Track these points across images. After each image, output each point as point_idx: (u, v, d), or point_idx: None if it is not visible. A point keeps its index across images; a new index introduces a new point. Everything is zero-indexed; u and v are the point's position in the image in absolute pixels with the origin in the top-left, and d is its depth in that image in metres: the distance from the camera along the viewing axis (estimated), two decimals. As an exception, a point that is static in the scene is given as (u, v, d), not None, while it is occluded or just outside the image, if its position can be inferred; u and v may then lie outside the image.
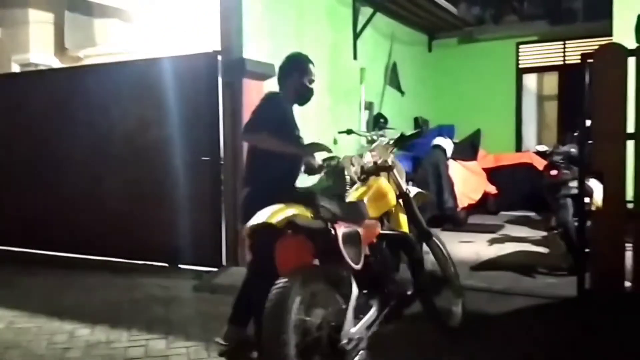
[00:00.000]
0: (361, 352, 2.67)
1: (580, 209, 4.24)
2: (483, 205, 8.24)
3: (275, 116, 3.16)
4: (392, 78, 8.43)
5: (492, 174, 8.56)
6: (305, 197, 2.68)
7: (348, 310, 2.60)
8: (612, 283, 3.91)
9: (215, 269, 5.28)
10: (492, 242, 6.24)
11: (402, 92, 8.74)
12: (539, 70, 9.44)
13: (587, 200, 4.70)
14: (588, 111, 4.06)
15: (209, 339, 3.44)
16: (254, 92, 5.37)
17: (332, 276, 2.65)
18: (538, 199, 8.52)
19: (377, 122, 7.44)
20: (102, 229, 5.87)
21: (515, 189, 8.58)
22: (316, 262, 2.70)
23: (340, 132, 4.71)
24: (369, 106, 7.59)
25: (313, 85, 3.41)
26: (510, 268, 4.92)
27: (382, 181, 3.35)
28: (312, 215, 2.59)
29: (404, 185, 3.44)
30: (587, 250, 4.09)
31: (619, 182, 3.87)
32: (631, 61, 3.82)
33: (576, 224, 4.59)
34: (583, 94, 4.08)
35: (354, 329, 2.66)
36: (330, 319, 2.56)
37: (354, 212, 2.93)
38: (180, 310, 4.21)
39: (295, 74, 3.34)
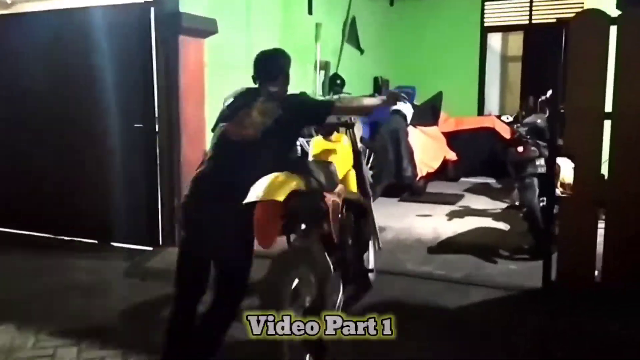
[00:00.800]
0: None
1: (549, 193, 3.88)
2: (442, 171, 7.89)
3: None
4: (351, 35, 7.84)
5: (452, 138, 8.21)
6: (298, 165, 2.71)
7: (325, 294, 2.48)
8: (580, 274, 3.60)
9: (150, 248, 4.79)
10: (451, 216, 5.89)
11: (362, 50, 8.18)
12: (504, 29, 9.00)
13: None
14: (560, 84, 3.69)
15: (129, 345, 2.99)
16: (192, 51, 4.77)
17: (312, 258, 2.49)
18: (498, 165, 8.31)
19: (334, 83, 6.91)
20: (25, 201, 5.27)
21: (476, 154, 8.26)
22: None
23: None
24: (324, 66, 7.00)
25: None
26: (470, 250, 4.56)
27: (345, 138, 3.48)
28: (305, 187, 2.51)
29: (359, 143, 3.62)
30: (553, 234, 3.78)
31: (593, 164, 3.51)
32: (613, 31, 3.40)
33: (543, 204, 4.26)
34: (550, 60, 3.68)
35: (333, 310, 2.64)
36: (310, 304, 2.44)
37: (331, 179, 2.93)
38: (103, 302, 3.70)
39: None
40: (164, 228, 4.83)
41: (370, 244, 3.70)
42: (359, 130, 3.88)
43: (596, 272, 3.61)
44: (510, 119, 5.54)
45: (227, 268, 2.54)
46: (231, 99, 2.81)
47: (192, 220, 2.55)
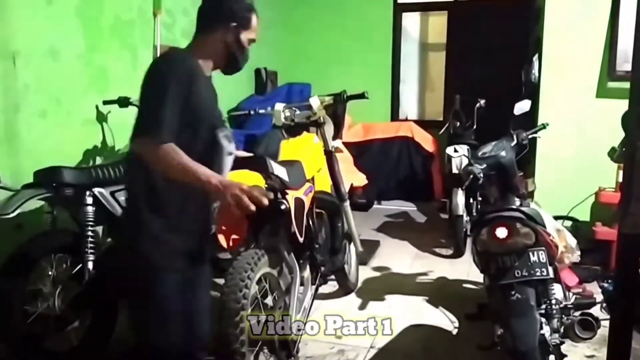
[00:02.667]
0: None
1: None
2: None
3: (183, 101, 1.86)
4: (217, 9, 5.48)
5: (360, 150, 6.30)
6: (258, 163, 2.54)
7: (292, 295, 2.54)
8: None
9: None
10: (362, 295, 3.76)
11: (235, 32, 5.84)
12: (423, 8, 6.99)
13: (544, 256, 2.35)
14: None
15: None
16: None
17: (277, 259, 2.57)
18: (417, 185, 6.42)
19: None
20: None
21: (391, 171, 6.39)
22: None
23: (107, 102, 3.69)
24: (170, 54, 4.61)
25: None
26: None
27: (314, 138, 3.41)
28: (265, 184, 2.47)
29: (330, 143, 3.48)
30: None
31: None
32: None
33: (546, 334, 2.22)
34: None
35: (299, 314, 2.65)
36: (277, 304, 2.52)
37: (297, 176, 2.83)
38: None
39: (231, 23, 2.03)
40: None
41: (351, 247, 3.72)
42: (329, 129, 3.52)
43: None
44: (464, 150, 3.51)
45: None
46: None
47: None
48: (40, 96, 3.40)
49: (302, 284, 2.74)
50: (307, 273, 2.88)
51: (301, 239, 2.66)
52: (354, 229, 3.68)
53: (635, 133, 1.36)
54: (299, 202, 2.70)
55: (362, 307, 3.59)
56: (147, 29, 4.35)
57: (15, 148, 3.25)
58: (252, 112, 3.82)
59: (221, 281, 2.39)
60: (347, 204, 3.57)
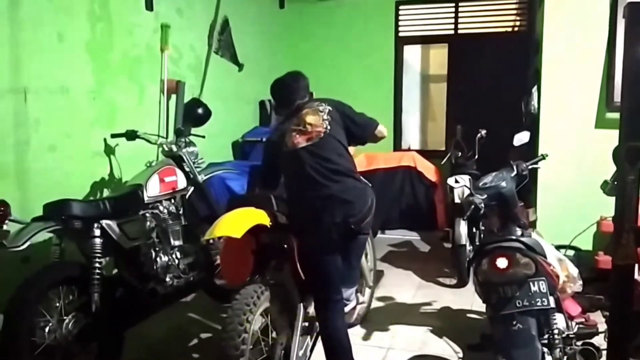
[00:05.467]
0: None
1: None
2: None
3: None
4: (223, 43, 5.62)
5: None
6: (264, 201, 2.58)
7: (295, 331, 2.53)
8: None
9: None
10: (356, 331, 3.76)
11: (240, 65, 5.98)
12: (425, 40, 7.13)
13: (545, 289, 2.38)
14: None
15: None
16: None
17: (280, 294, 2.55)
18: (420, 214, 6.45)
19: (192, 114, 4.62)
20: None
21: (393, 201, 6.38)
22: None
23: (115, 136, 3.74)
24: (176, 88, 4.70)
25: None
26: None
27: None
28: (270, 222, 2.51)
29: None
30: None
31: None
32: None
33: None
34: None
35: (301, 350, 2.60)
36: (280, 341, 2.49)
37: None
38: None
39: None
40: None
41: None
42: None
43: None
44: (465, 180, 3.57)
45: None
46: None
47: None
48: (50, 130, 3.48)
49: (306, 320, 2.72)
50: (311, 309, 2.79)
51: (303, 276, 2.62)
52: (364, 263, 3.61)
53: (625, 168, 1.41)
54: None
55: (366, 337, 3.61)
56: (154, 64, 4.47)
57: (25, 181, 3.32)
58: (264, 140, 3.90)
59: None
60: None
